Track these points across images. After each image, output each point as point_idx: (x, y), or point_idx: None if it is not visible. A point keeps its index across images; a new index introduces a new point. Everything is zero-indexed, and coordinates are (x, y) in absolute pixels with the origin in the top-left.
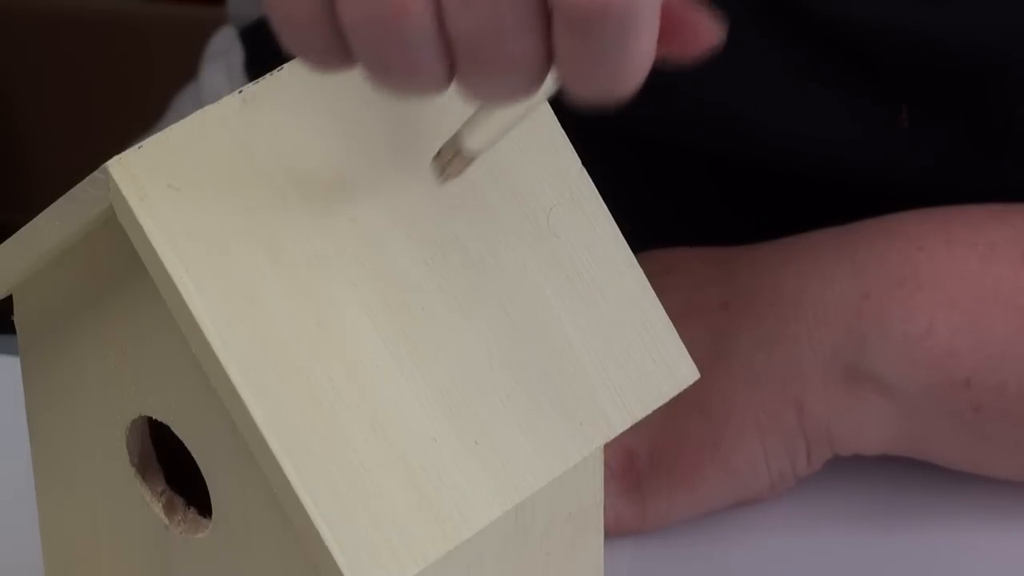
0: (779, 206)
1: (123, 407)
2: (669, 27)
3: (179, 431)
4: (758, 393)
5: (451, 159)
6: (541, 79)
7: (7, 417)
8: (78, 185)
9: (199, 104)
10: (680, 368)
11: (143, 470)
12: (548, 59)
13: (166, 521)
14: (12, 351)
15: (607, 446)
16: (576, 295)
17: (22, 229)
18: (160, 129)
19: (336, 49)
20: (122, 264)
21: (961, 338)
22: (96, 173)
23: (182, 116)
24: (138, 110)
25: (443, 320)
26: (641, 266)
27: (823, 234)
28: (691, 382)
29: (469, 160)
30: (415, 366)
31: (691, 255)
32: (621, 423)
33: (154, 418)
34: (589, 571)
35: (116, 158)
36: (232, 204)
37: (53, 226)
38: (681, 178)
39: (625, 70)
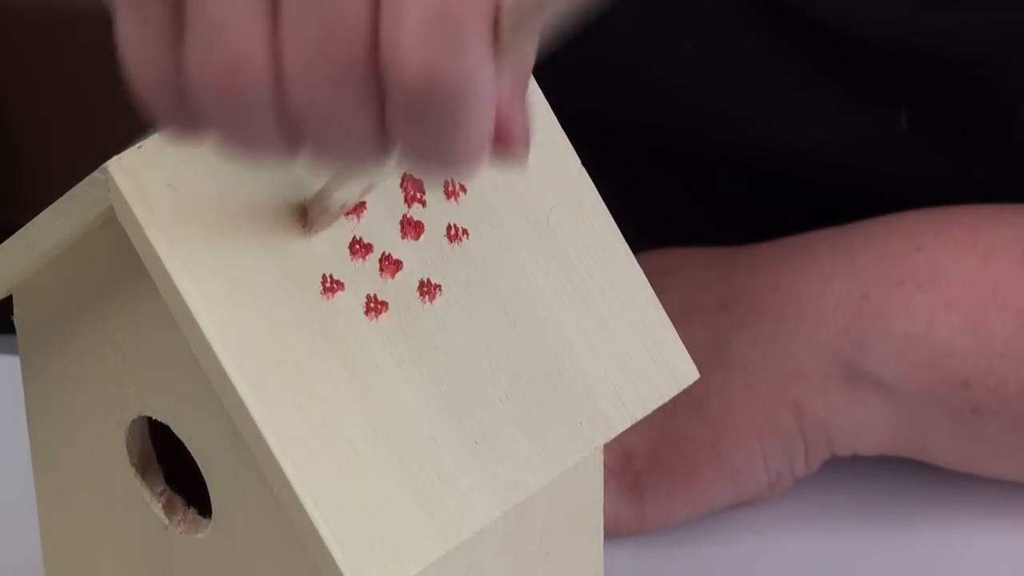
0: (779, 209)
1: (123, 407)
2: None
3: (179, 431)
4: (756, 393)
5: (320, 214)
6: (382, 153)
7: (7, 417)
8: (78, 185)
9: None
10: (680, 368)
11: (143, 470)
12: (387, 135)
13: (166, 521)
14: (12, 351)
15: (605, 446)
16: (576, 295)
17: (22, 229)
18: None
19: (187, 113)
20: (122, 264)
21: (960, 338)
22: (96, 173)
23: None
24: (138, 110)
25: (443, 320)
26: (641, 266)
27: (822, 234)
28: (691, 382)
29: (337, 214)
30: (415, 366)
31: (691, 255)
32: (621, 423)
33: (154, 418)
34: (589, 571)
35: (116, 158)
36: (232, 204)
37: (53, 226)
38: (682, 180)
39: (459, 150)
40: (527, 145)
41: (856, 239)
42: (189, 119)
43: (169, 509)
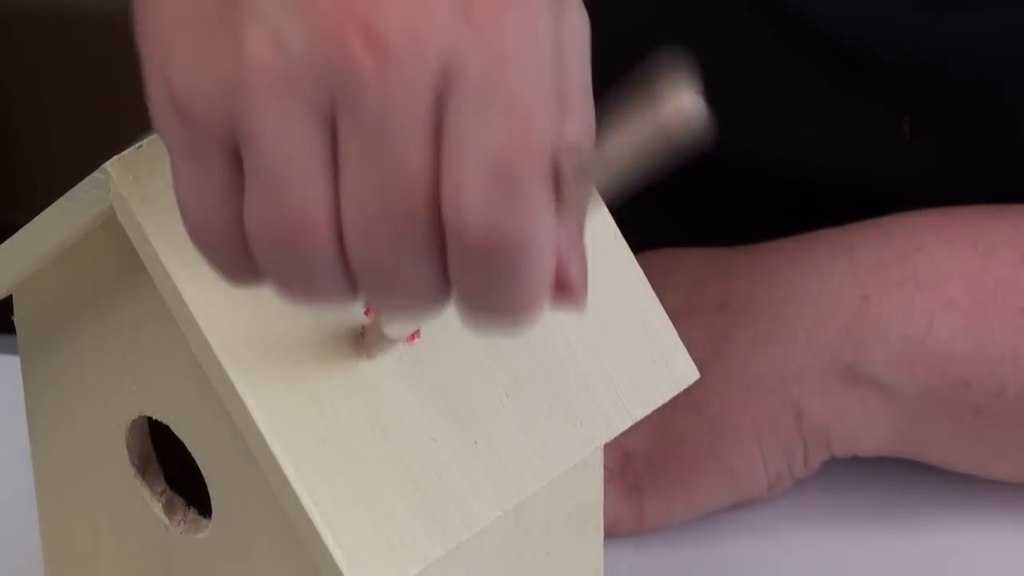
0: (779, 210)
1: (123, 407)
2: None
3: (179, 431)
4: (756, 394)
5: (376, 341)
6: (442, 301)
7: (7, 417)
8: (78, 185)
9: None
10: (680, 368)
11: (143, 470)
12: (447, 285)
13: (166, 521)
14: (12, 351)
15: (605, 446)
16: None
17: (22, 229)
18: None
19: (245, 265)
20: (122, 264)
21: (960, 340)
22: (96, 173)
23: None
24: (138, 110)
25: (443, 320)
26: (641, 266)
27: (822, 235)
28: (691, 382)
29: (392, 343)
30: (415, 366)
31: (691, 255)
32: (621, 423)
33: (154, 418)
34: (589, 571)
35: (116, 158)
36: None
37: (53, 226)
38: (682, 181)
39: (520, 300)
40: (585, 290)
41: (856, 239)
42: (248, 271)
43: (169, 509)
